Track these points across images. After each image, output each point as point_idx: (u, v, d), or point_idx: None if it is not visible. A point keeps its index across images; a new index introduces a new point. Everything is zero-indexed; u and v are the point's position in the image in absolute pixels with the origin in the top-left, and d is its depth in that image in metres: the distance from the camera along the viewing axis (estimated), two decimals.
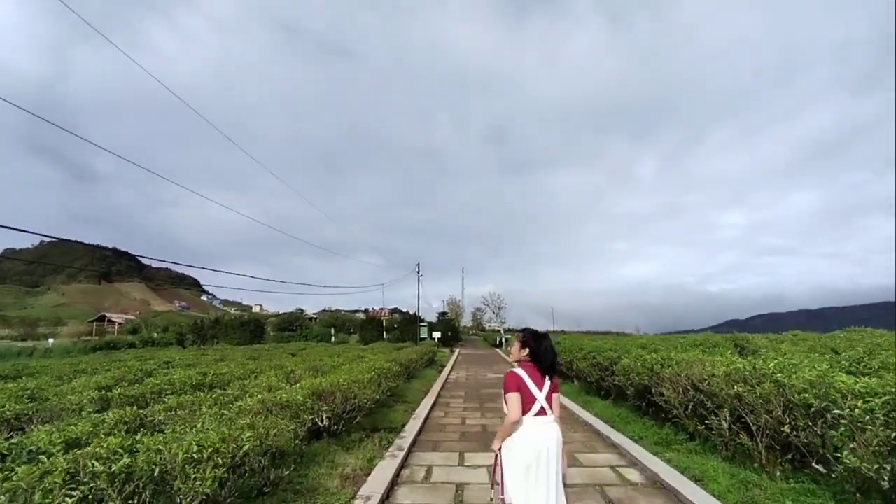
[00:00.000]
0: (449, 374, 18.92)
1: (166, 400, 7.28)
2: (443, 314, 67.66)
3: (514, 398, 3.50)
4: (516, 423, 3.54)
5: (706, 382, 6.52)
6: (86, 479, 3.03)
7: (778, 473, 5.51)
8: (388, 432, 8.30)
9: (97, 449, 3.29)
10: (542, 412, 3.56)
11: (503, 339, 47.51)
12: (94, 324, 71.66)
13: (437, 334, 44.65)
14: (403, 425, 8.85)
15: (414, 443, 7.65)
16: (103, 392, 8.17)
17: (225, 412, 5.78)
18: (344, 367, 12.24)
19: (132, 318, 77.60)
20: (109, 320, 72.78)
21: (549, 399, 3.60)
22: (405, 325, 49.23)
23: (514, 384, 3.56)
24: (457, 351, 38.21)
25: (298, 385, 7.69)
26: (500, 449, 3.67)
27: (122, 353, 39.39)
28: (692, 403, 6.90)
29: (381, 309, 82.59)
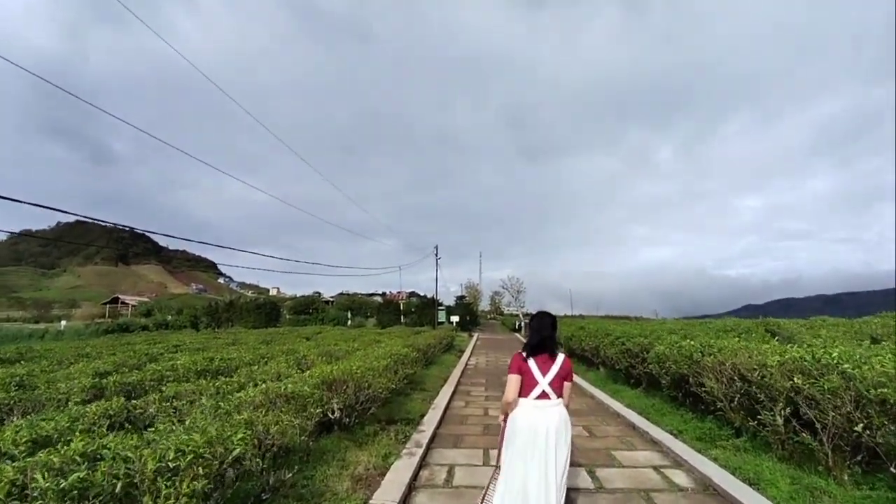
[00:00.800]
0: (468, 360, 18.35)
1: (164, 389, 6.80)
2: (461, 298, 67.08)
3: (511, 379, 3.72)
4: (510, 404, 3.73)
5: (757, 373, 5.83)
6: (35, 495, 2.47)
7: (846, 478, 4.82)
8: (406, 424, 7.74)
9: (52, 457, 2.72)
10: (543, 396, 3.66)
11: (522, 324, 46.85)
12: (108, 306, 71.82)
13: (455, 318, 44.12)
14: (422, 416, 8.29)
15: (433, 437, 7.06)
16: (98, 379, 7.69)
17: (222, 405, 5.23)
18: (359, 352, 11.74)
19: (146, 300, 77.97)
20: (123, 302, 72.75)
21: (554, 384, 3.68)
22: (423, 309, 48.75)
23: (516, 366, 3.75)
24: (475, 335, 37.69)
25: (308, 373, 7.14)
26: (504, 420, 3.86)
27: (134, 335, 39.60)
28: (739, 395, 6.21)
29: (399, 292, 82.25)
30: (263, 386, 6.28)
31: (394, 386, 7.69)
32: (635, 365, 10.38)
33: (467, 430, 7.67)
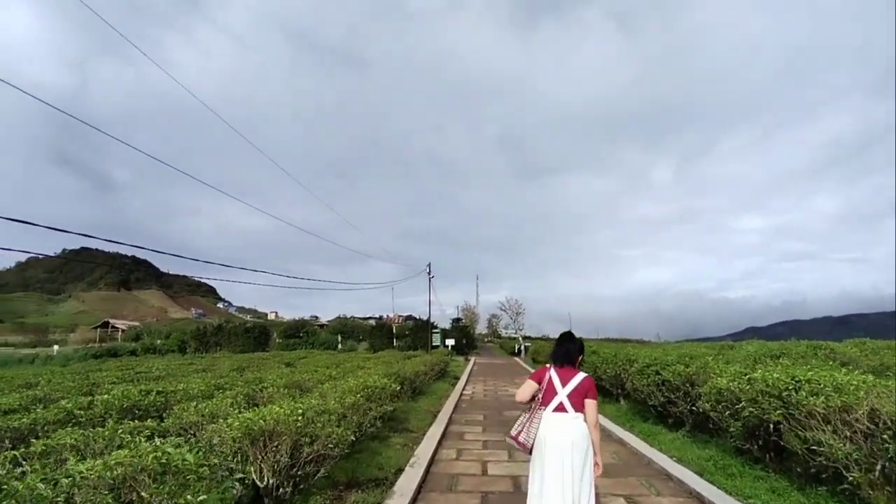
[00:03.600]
0: (463, 389, 15.97)
1: (51, 437, 4.74)
2: (457, 320, 64.42)
3: (527, 383, 3.89)
4: (519, 402, 3.90)
5: None
6: None
7: None
8: (372, 488, 5.51)
9: None
10: (560, 408, 3.68)
11: (522, 347, 44.30)
12: (98, 330, 69.71)
13: (450, 342, 41.46)
14: (397, 473, 6.07)
15: None
16: None
17: (63, 482, 3.02)
18: (328, 383, 9.55)
19: (136, 324, 75.58)
20: (113, 327, 70.70)
21: (573, 397, 3.67)
22: (416, 332, 46.08)
23: (538, 375, 3.89)
24: (472, 360, 35.23)
25: (234, 420, 4.89)
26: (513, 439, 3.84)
27: (117, 360, 37.35)
28: (890, 461, 3.98)
29: (391, 315, 79.72)
30: (150, 446, 4.04)
31: (353, 438, 5.39)
32: (675, 401, 8.14)
33: (458, 502, 5.39)
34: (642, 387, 9.22)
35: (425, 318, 45.02)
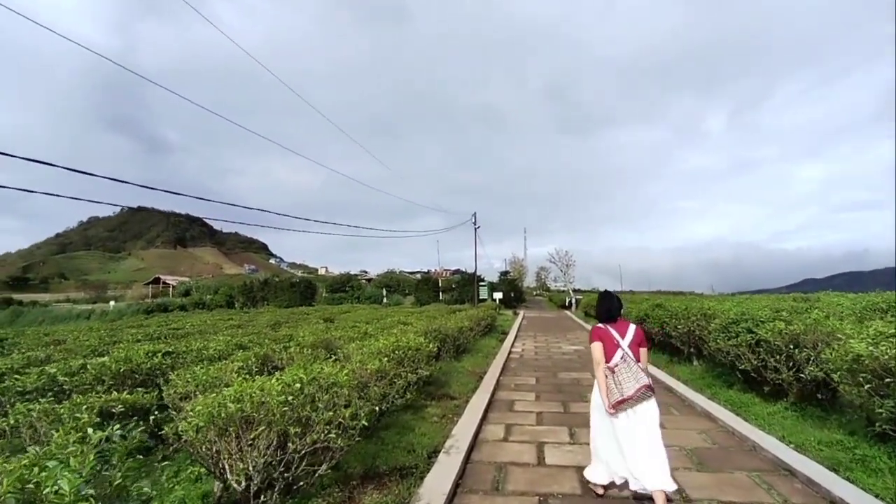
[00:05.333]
0: (512, 346, 14.64)
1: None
2: (505, 273, 62.80)
3: (595, 346, 4.04)
4: (601, 365, 3.96)
5: None
6: None
7: None
8: (396, 482, 4.27)
9: None
10: (624, 359, 3.91)
11: (573, 300, 42.54)
12: (150, 286, 71.85)
13: (498, 295, 40.06)
14: (433, 456, 4.84)
15: None
16: None
17: None
18: (356, 343, 8.37)
19: (186, 279, 77.49)
20: (164, 283, 72.68)
21: (632, 348, 3.94)
22: (463, 286, 44.82)
23: (597, 335, 4.08)
24: (521, 313, 33.88)
25: (198, 402, 3.65)
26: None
27: (164, 315, 37.99)
28: None
29: (439, 270, 78.80)
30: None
31: (365, 423, 4.08)
32: (778, 367, 6.51)
33: None
34: (728, 347, 7.57)
35: (472, 272, 43.69)
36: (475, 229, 39.39)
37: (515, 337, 17.52)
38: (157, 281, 74.81)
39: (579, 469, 4.52)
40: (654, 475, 3.63)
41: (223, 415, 3.30)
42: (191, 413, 3.47)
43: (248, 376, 5.97)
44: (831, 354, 5.27)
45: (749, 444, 5.35)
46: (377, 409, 4.91)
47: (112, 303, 57.07)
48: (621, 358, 3.88)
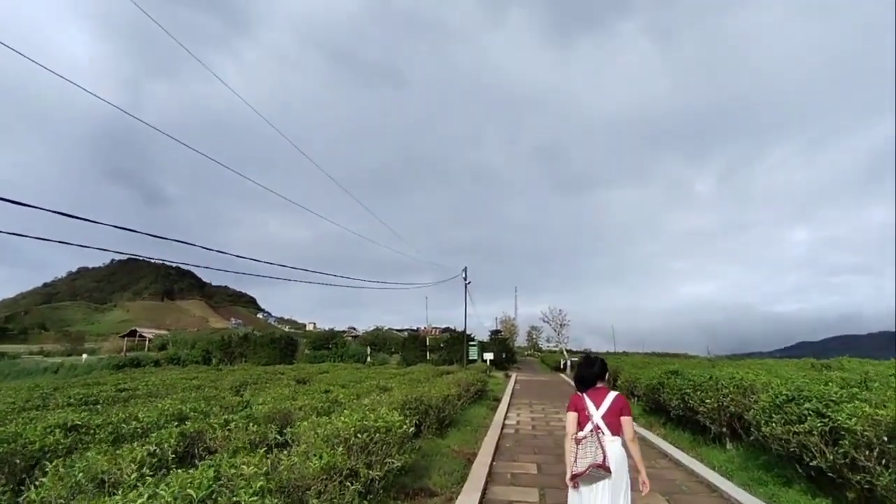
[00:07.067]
0: (506, 417, 12.77)
1: None
2: (496, 332, 60.83)
3: (570, 417, 3.84)
4: (569, 436, 3.77)
5: None
6: None
7: None
8: None
9: None
10: (596, 430, 3.65)
11: (568, 362, 40.48)
12: (126, 339, 68.75)
13: (489, 356, 37.89)
14: None
15: None
16: None
17: None
18: (320, 414, 6.77)
19: (164, 333, 74.34)
20: (140, 336, 69.62)
21: (607, 418, 3.67)
22: (452, 345, 42.51)
23: (572, 404, 3.90)
24: (513, 375, 31.85)
25: None
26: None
27: (142, 370, 35.82)
28: None
29: (427, 327, 76.68)
30: None
31: None
32: (868, 466, 4.90)
33: None
34: (788, 435, 5.92)
35: (462, 330, 41.78)
36: (465, 285, 37.83)
37: (509, 405, 15.61)
38: (133, 333, 71.69)
39: None
40: None
41: None
42: None
43: (151, 472, 4.39)
44: None
45: None
46: None
47: (84, 356, 54.10)
48: (590, 430, 3.65)
